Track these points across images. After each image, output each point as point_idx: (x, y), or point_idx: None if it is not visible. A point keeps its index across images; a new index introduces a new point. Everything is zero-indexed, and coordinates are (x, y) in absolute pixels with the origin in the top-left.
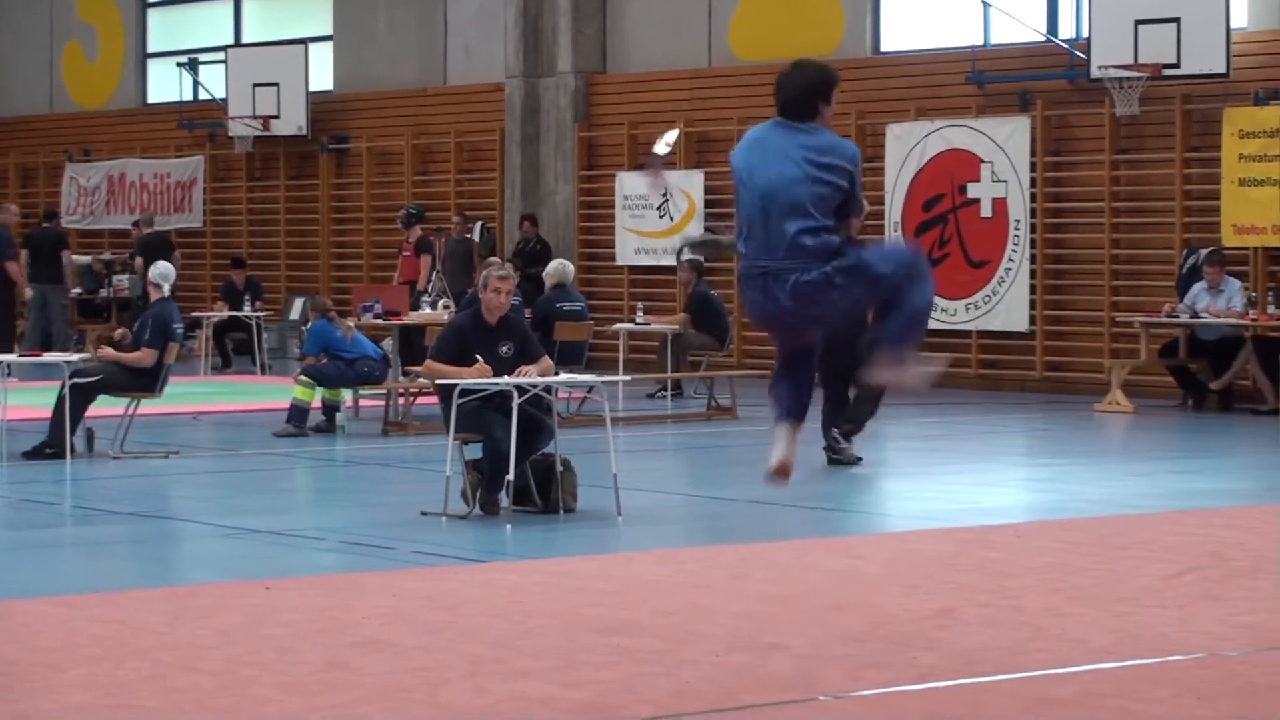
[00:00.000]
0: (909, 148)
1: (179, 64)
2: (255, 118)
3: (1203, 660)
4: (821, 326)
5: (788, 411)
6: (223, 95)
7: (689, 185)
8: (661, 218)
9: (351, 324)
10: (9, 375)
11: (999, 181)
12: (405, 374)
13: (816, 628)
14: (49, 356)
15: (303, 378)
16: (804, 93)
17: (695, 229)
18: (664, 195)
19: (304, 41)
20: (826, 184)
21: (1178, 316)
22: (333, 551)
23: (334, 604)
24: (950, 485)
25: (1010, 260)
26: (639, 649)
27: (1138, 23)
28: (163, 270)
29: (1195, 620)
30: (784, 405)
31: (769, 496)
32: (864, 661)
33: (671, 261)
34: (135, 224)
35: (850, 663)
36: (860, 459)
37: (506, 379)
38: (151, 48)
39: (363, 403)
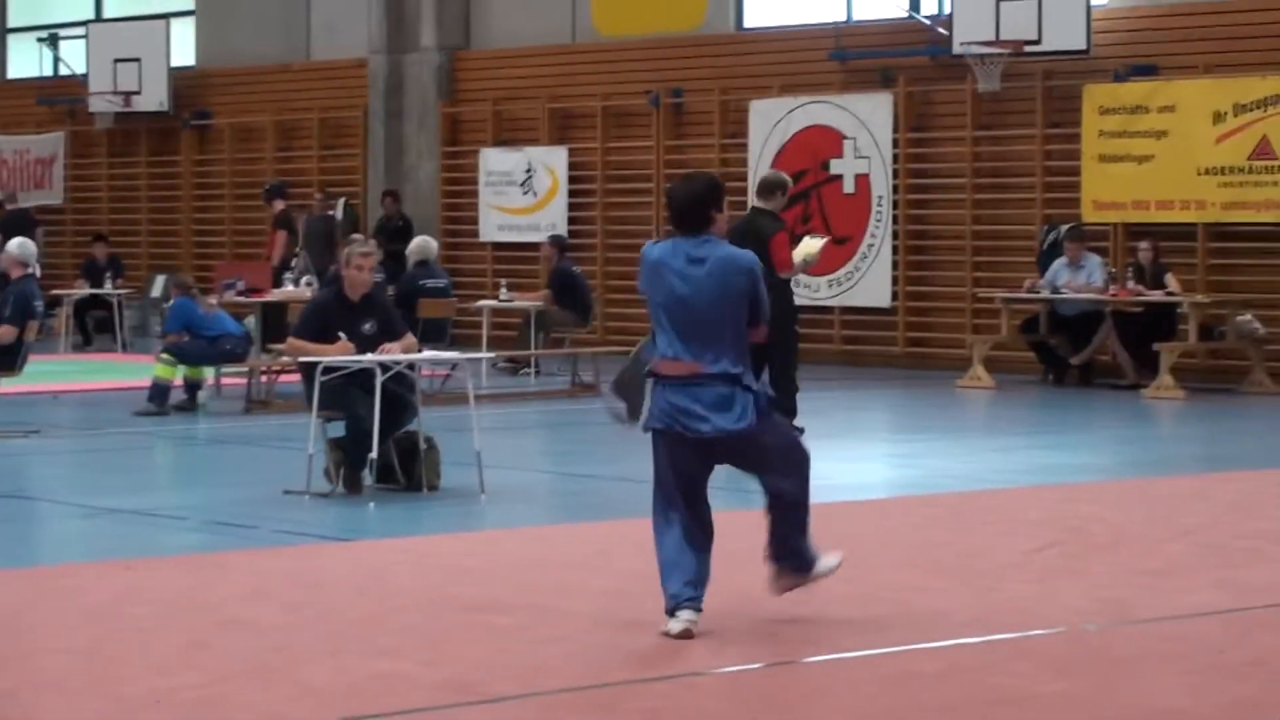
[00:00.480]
0: (772, 124)
1: (39, 39)
2: (116, 94)
3: (1063, 634)
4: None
5: (694, 587)
6: (84, 71)
7: (552, 161)
8: (525, 194)
9: (213, 301)
10: None
11: (862, 158)
12: (267, 351)
13: None
14: None
15: (164, 356)
16: (695, 204)
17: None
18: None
19: (166, 16)
20: (731, 300)
21: (1038, 292)
22: (195, 531)
23: (196, 583)
24: (813, 462)
25: (873, 236)
26: (502, 626)
27: (999, 0)
28: (24, 247)
29: (1056, 594)
30: (688, 579)
31: (633, 473)
32: (727, 638)
33: (536, 238)
34: None
35: (714, 639)
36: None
37: (369, 356)
38: (11, 23)
39: (225, 381)
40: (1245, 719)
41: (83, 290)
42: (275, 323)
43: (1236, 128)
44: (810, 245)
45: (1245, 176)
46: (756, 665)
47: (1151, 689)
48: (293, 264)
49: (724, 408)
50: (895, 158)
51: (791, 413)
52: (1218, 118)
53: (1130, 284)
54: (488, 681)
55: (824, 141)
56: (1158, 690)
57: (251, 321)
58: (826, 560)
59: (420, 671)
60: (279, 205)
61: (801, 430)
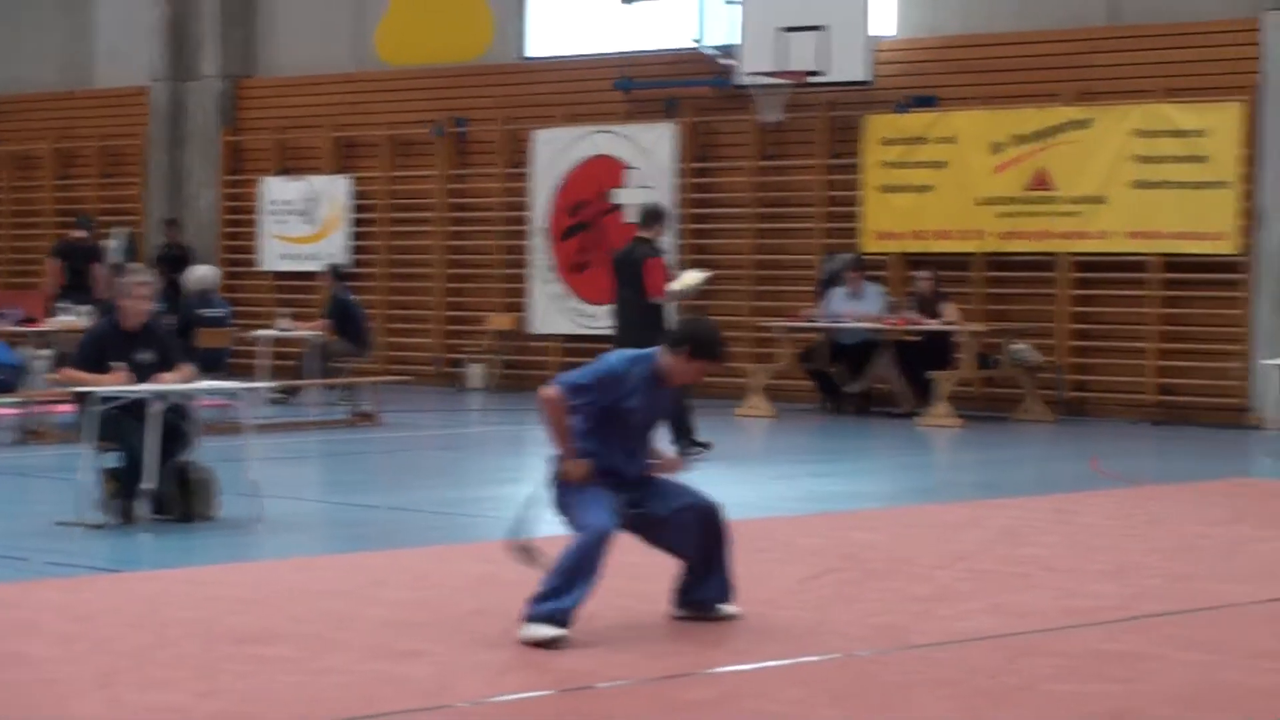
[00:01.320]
0: (556, 153)
1: None
2: None
3: (838, 660)
4: None
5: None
6: None
7: (335, 191)
8: (307, 223)
9: None
10: None
11: (645, 187)
12: (47, 382)
13: (456, 634)
14: None
15: None
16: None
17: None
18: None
19: None
20: None
21: (817, 321)
22: None
23: None
24: None
25: None
26: (277, 657)
27: (784, 31)
28: None
29: (830, 621)
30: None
31: (409, 503)
32: (502, 667)
33: (318, 268)
34: None
35: (489, 669)
36: (709, 445)
37: (145, 386)
38: None
39: (2, 411)
40: None
41: None
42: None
43: (1014, 159)
44: (691, 277)
45: (1022, 207)
46: (535, 693)
47: (923, 715)
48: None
49: None
50: (679, 187)
51: (690, 430)
52: (996, 149)
53: (909, 313)
54: (261, 713)
55: (607, 171)
56: (929, 716)
57: (49, 351)
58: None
59: (194, 703)
60: (77, 234)
61: (707, 445)
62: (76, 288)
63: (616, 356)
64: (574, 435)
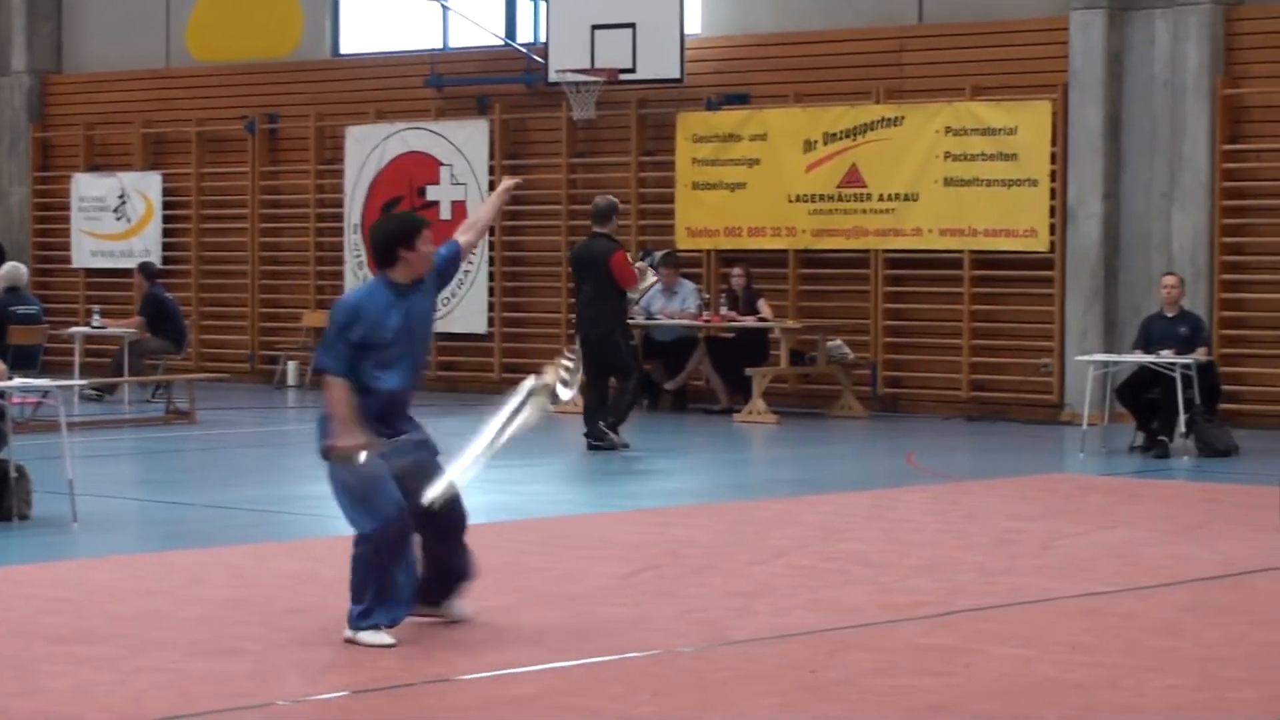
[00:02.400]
0: (369, 150)
1: None
2: None
3: (658, 657)
4: None
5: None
6: None
7: (146, 187)
8: (119, 220)
9: None
10: None
11: (458, 184)
12: None
13: (274, 632)
14: None
15: None
16: (384, 244)
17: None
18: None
19: None
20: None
21: (633, 318)
22: None
23: None
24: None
25: (469, 263)
26: (95, 657)
27: (594, 28)
28: None
29: (650, 617)
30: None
31: (226, 501)
32: (322, 665)
33: (130, 264)
34: None
35: (309, 667)
36: (628, 445)
37: None
38: None
39: None
40: None
41: None
42: None
43: (826, 156)
44: (648, 274)
45: (834, 204)
46: (344, 693)
47: (744, 710)
48: None
49: None
50: (491, 184)
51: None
52: (808, 146)
53: (724, 310)
54: (80, 713)
55: (420, 168)
56: (750, 711)
57: None
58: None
59: (10, 704)
60: None
61: (627, 445)
62: None
63: (342, 301)
64: (354, 413)
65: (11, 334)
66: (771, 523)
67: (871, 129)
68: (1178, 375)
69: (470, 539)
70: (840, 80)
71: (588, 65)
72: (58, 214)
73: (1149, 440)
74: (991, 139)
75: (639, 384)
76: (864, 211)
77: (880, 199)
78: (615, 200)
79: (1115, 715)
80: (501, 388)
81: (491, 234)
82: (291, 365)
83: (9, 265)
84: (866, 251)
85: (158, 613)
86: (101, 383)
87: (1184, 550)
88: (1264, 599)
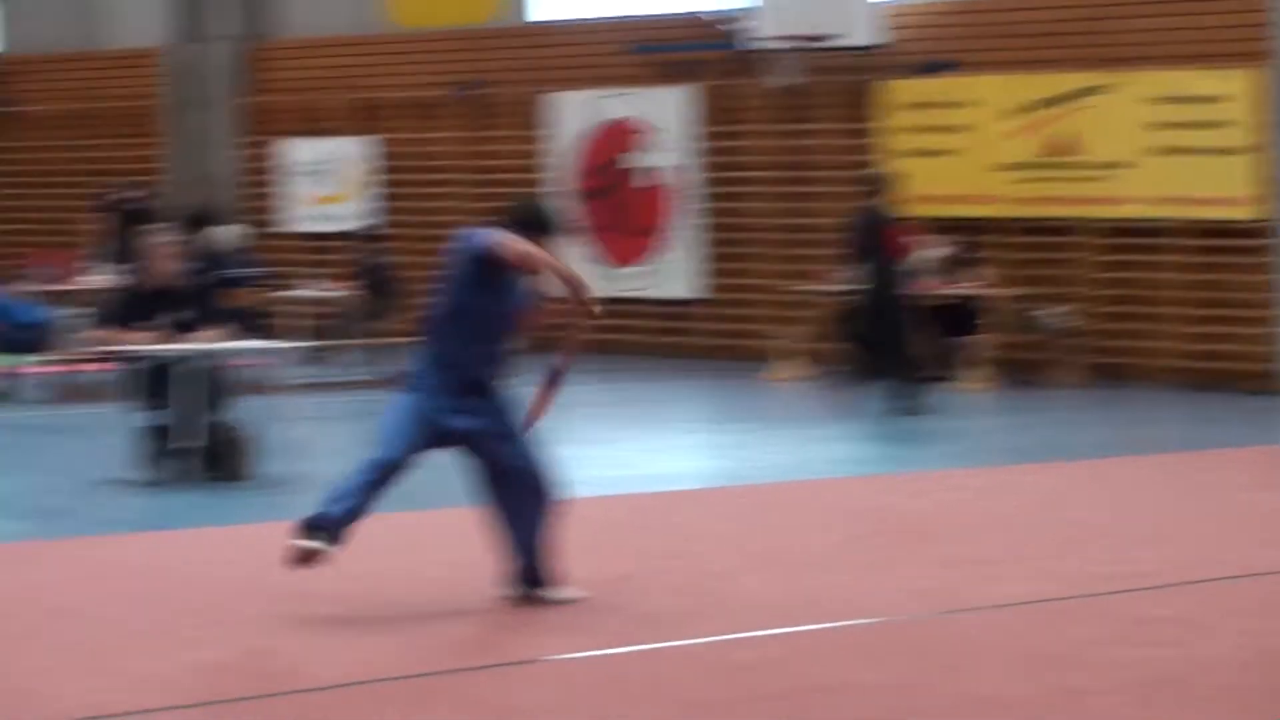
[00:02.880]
0: (576, 117)
1: None
2: None
3: (877, 625)
4: None
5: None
6: None
7: (356, 153)
8: (329, 185)
9: (25, 290)
10: None
11: (666, 151)
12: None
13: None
14: None
15: None
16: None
17: None
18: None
19: None
20: None
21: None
22: (9, 519)
23: (15, 573)
24: (634, 451)
25: (679, 229)
26: (324, 615)
27: None
28: None
29: (872, 585)
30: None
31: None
32: (547, 626)
33: (338, 229)
34: None
35: (535, 628)
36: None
37: (180, 346)
38: None
39: (38, 370)
40: (1066, 705)
41: None
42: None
43: (1034, 123)
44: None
45: (1043, 172)
46: (580, 654)
47: (971, 677)
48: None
49: None
50: (700, 150)
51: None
52: (1017, 112)
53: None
54: (306, 669)
55: (627, 135)
56: (977, 678)
57: (74, 309)
58: None
59: (242, 661)
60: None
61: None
62: (124, 246)
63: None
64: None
65: (233, 296)
66: (990, 492)
67: (1080, 96)
68: None
69: (689, 502)
70: (1045, 49)
71: (792, 31)
72: (267, 178)
73: None
74: (1199, 106)
75: (911, 358)
76: (1073, 180)
77: (1091, 167)
78: (884, 172)
79: None
80: (715, 354)
81: (704, 201)
82: None
83: (229, 229)
84: (1073, 220)
85: (380, 574)
86: (326, 345)
87: None
88: None
